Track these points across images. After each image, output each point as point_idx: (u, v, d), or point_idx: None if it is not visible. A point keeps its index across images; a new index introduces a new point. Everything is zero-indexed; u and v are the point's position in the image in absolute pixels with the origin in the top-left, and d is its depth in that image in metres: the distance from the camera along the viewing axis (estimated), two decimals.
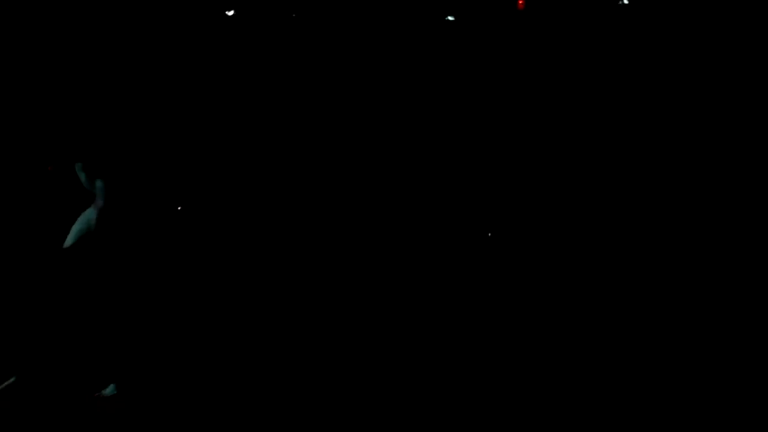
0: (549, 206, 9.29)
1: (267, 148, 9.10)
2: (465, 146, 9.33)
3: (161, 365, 6.98)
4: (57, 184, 6.32)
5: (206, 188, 8.76)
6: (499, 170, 9.31)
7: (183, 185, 7.84)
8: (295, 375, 7.00)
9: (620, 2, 9.19)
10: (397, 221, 9.14)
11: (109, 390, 6.09)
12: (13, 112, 8.51)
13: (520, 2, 5.82)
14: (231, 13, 8.50)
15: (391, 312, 8.53)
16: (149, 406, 6.08)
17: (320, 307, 8.47)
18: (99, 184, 6.04)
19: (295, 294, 8.59)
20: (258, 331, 8.46)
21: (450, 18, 9.14)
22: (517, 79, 9.28)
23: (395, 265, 8.98)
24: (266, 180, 9.07)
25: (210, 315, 8.54)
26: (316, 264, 8.81)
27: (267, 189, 9.05)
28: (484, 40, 9.20)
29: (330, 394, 6.34)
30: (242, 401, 6.28)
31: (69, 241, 6.06)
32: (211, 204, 8.75)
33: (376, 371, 6.88)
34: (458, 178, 9.28)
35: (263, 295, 8.73)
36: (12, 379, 6.10)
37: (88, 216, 6.06)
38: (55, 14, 8.57)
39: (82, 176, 6.09)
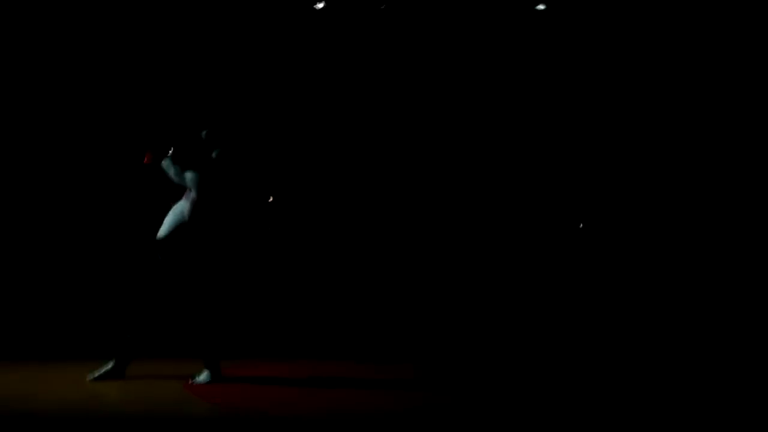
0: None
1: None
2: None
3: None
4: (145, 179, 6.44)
5: (293, 181, 8.88)
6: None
7: (272, 178, 7.94)
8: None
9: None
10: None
11: (203, 377, 6.19)
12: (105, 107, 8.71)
13: None
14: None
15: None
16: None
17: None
18: (190, 176, 6.16)
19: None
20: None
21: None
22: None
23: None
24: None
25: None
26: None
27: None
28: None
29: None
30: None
31: (163, 231, 6.19)
32: (298, 196, 8.87)
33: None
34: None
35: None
36: (110, 364, 6.24)
37: (181, 208, 6.20)
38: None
39: (172, 170, 6.22)
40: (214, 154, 6.25)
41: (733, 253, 9.13)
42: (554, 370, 6.96)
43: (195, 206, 6.19)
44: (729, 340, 8.10)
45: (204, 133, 6.28)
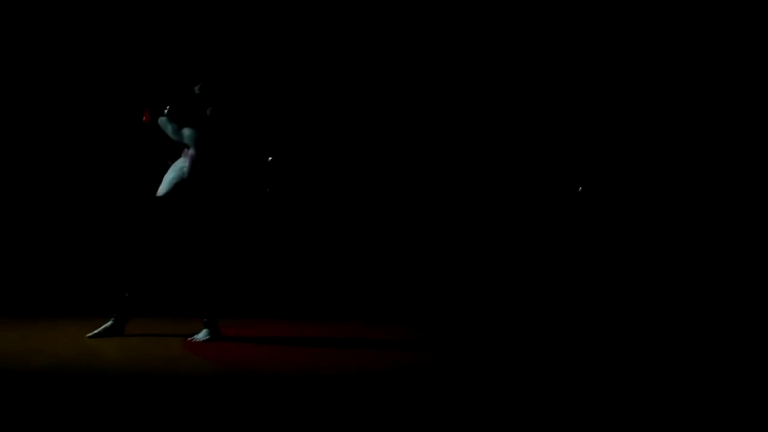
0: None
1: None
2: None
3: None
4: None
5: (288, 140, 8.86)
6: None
7: (269, 136, 7.90)
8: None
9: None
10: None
11: (202, 335, 6.19)
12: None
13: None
14: None
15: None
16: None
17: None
18: (188, 132, 6.13)
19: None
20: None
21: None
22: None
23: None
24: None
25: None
26: None
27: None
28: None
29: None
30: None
31: (163, 189, 6.16)
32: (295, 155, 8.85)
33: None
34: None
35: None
36: (110, 322, 6.24)
37: (180, 165, 6.16)
38: None
39: (170, 128, 6.18)
40: (208, 111, 6.20)
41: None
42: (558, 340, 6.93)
43: (194, 163, 6.16)
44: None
45: (197, 87, 6.23)
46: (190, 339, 6.20)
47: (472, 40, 9.29)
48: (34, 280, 8.27)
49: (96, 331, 6.23)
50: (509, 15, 9.26)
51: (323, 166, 9.22)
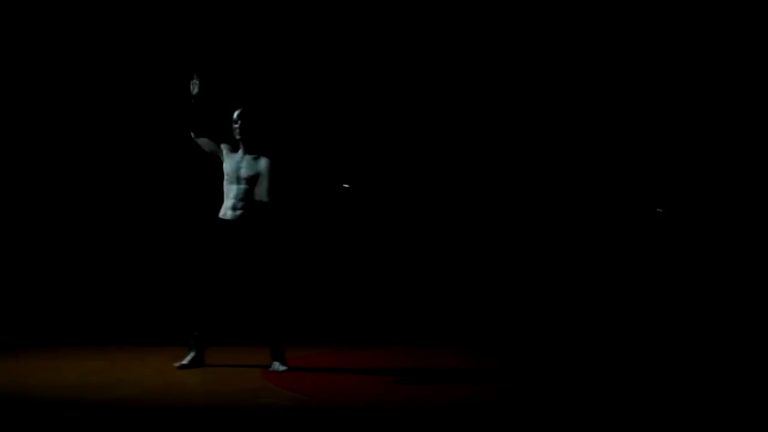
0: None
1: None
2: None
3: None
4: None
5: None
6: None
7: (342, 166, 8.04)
8: None
9: None
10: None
11: (279, 366, 6.32)
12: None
13: None
14: None
15: None
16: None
17: None
18: (264, 163, 6.26)
19: None
20: None
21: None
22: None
23: None
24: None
25: None
26: None
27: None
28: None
29: None
30: None
31: (230, 213, 6.28)
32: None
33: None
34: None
35: None
36: (193, 353, 6.38)
37: (249, 191, 6.28)
38: None
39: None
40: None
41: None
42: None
43: (273, 190, 6.29)
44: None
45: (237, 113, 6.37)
46: (269, 369, 6.33)
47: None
48: (116, 309, 8.52)
49: (184, 363, 6.39)
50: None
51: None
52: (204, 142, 6.43)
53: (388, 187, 9.29)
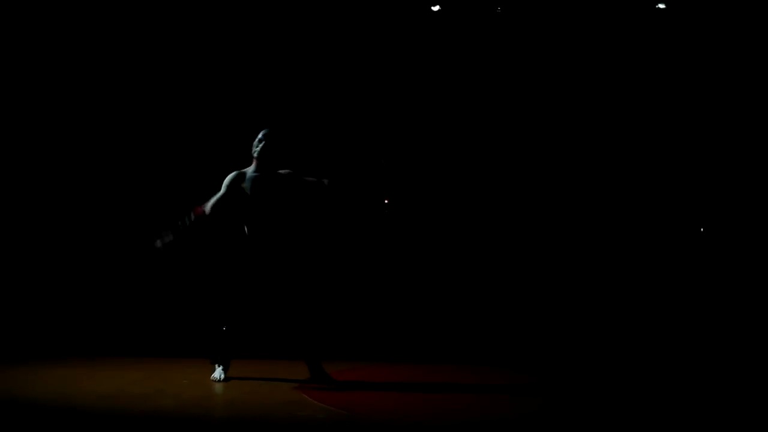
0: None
1: None
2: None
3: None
4: None
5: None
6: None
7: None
8: None
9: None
10: None
11: (314, 379, 6.36)
12: None
13: None
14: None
15: None
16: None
17: None
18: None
19: None
20: None
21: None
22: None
23: None
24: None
25: None
26: None
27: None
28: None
29: None
30: None
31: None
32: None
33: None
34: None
35: None
36: (221, 367, 6.44)
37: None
38: None
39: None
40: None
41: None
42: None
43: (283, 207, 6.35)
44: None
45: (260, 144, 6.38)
46: (303, 382, 6.37)
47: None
48: (156, 320, 8.61)
49: (221, 377, 6.45)
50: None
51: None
52: (223, 203, 6.37)
53: (424, 203, 9.36)
